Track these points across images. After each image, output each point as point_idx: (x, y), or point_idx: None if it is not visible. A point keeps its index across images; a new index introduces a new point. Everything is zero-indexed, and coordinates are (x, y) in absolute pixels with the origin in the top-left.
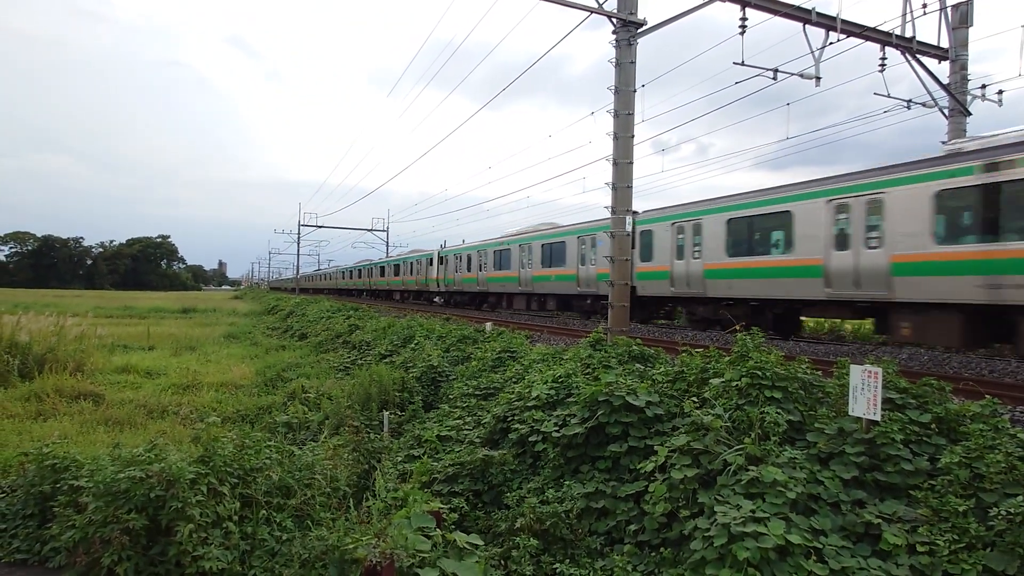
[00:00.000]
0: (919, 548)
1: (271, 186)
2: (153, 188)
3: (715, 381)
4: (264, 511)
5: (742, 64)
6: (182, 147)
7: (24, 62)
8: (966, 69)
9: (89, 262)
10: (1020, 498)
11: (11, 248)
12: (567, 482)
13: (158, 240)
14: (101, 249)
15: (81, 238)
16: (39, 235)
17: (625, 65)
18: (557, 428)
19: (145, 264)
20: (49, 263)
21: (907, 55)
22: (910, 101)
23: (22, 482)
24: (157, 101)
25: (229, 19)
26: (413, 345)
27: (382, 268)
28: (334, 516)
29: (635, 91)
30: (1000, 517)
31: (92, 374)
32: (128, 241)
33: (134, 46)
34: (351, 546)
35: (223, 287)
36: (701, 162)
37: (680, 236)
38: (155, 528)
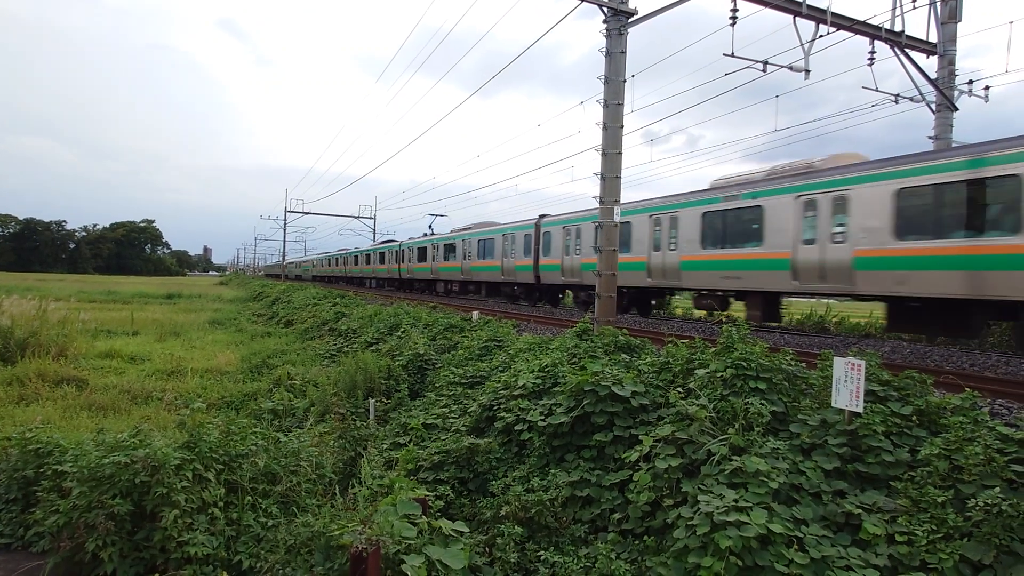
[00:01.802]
0: (898, 538)
1: (258, 172)
2: (139, 172)
3: (700, 372)
4: (250, 497)
5: (732, 56)
6: (169, 132)
7: (6, 42)
8: (954, 64)
9: (72, 246)
10: (997, 489)
11: None
12: (552, 471)
13: (142, 225)
14: (84, 233)
15: (64, 222)
16: (21, 218)
17: (615, 55)
18: (543, 417)
19: (129, 249)
20: (31, 246)
21: (896, 49)
22: (898, 95)
23: (5, 467)
24: (145, 85)
25: (219, 2)
26: (400, 333)
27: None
28: (320, 503)
29: (625, 81)
30: (978, 508)
31: (75, 359)
32: (112, 225)
33: (122, 28)
34: (337, 532)
35: (211, 272)
36: (690, 153)
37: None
38: (140, 513)
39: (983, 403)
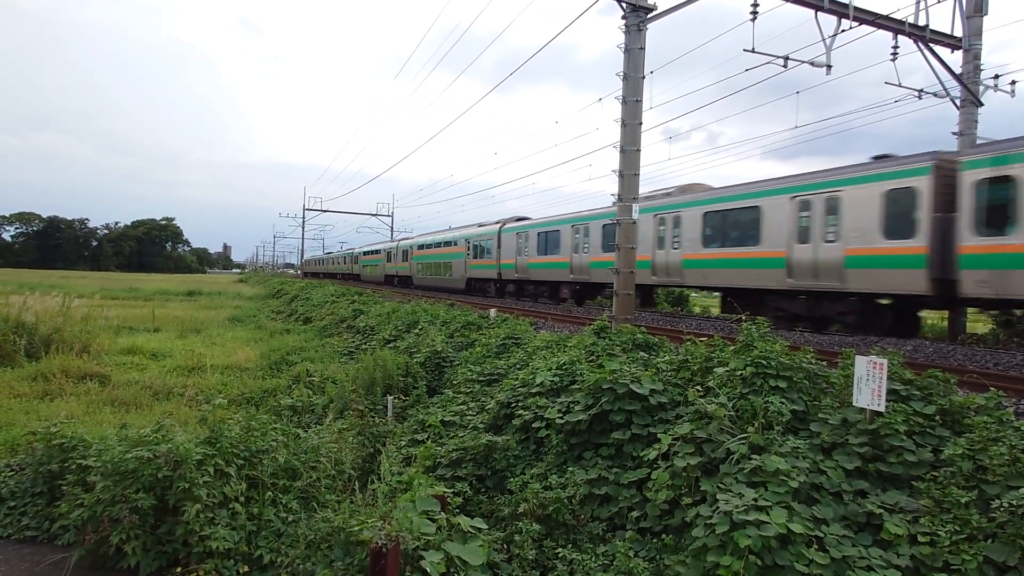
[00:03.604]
0: (920, 538)
1: (277, 169)
2: (157, 170)
3: (719, 370)
4: (270, 492)
5: (752, 51)
6: (186, 129)
7: (20, 38)
8: (979, 59)
9: (94, 243)
10: (1023, 490)
11: (17, 228)
12: (570, 468)
13: (163, 222)
14: (106, 231)
15: (86, 219)
16: (44, 216)
17: (634, 51)
18: (561, 415)
19: (150, 246)
20: (54, 244)
21: (920, 44)
22: (921, 91)
23: (30, 461)
24: (160, 81)
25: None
26: (417, 331)
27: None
28: (339, 498)
29: (644, 77)
30: (1002, 509)
31: (98, 355)
32: (133, 223)
33: (136, 23)
34: (357, 528)
35: (234, 270)
36: (710, 150)
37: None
38: (163, 508)
39: (1008, 403)
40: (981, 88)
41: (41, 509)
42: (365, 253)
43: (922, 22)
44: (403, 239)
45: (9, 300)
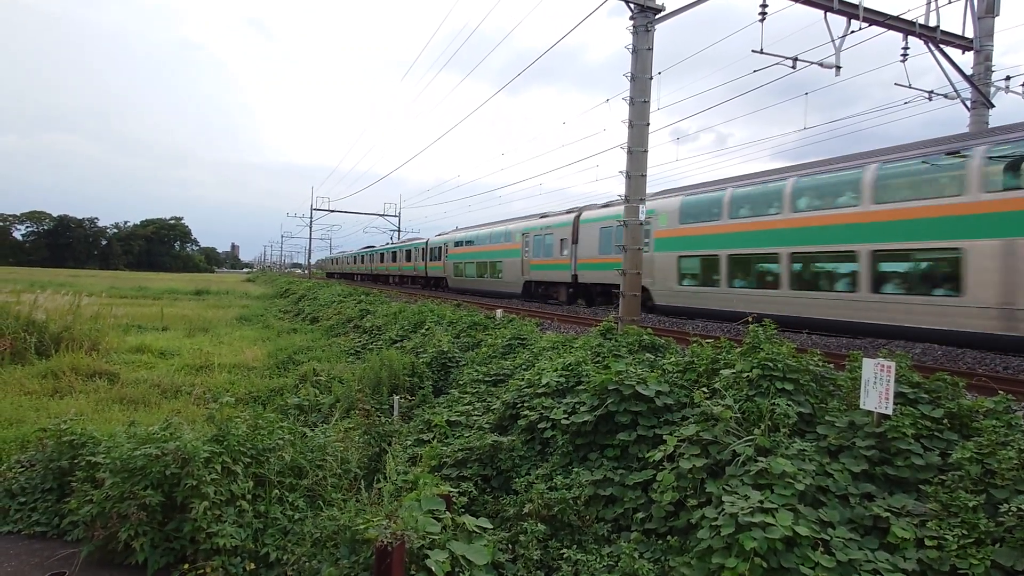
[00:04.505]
0: (927, 542)
1: (284, 170)
2: (166, 169)
3: (726, 372)
4: (277, 490)
5: (761, 52)
6: (194, 129)
7: (30, 38)
8: (991, 60)
9: (104, 243)
10: None
11: (27, 227)
12: (575, 469)
13: (172, 222)
14: (116, 230)
15: (96, 219)
16: (55, 215)
17: (642, 52)
18: (566, 415)
19: (159, 245)
20: (64, 243)
21: (930, 45)
22: (931, 92)
23: (40, 457)
24: (168, 82)
25: (248, 1)
26: (424, 331)
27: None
28: (345, 497)
29: (651, 78)
30: (1011, 513)
31: (107, 353)
32: (142, 222)
33: (144, 24)
34: (362, 527)
35: (242, 270)
36: (718, 151)
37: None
38: (171, 505)
39: (1017, 407)
40: (992, 90)
41: (51, 505)
42: (459, 243)
43: (933, 23)
44: (592, 206)
45: (20, 298)
